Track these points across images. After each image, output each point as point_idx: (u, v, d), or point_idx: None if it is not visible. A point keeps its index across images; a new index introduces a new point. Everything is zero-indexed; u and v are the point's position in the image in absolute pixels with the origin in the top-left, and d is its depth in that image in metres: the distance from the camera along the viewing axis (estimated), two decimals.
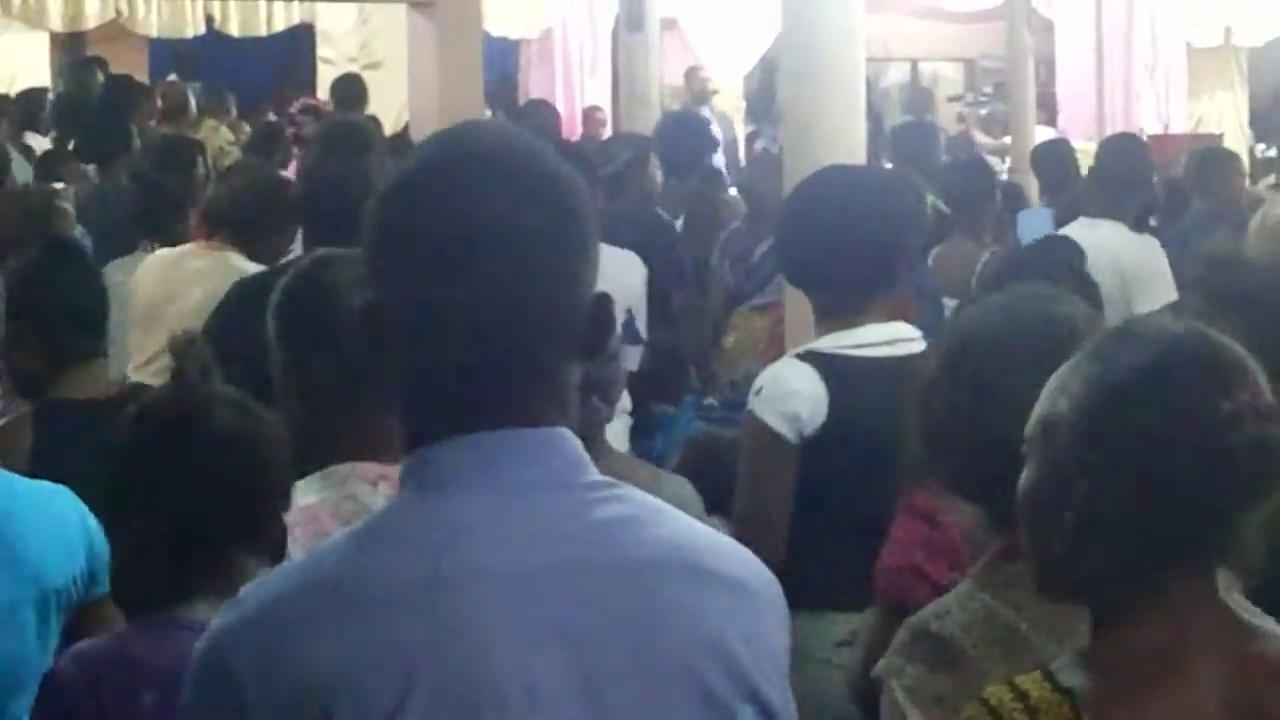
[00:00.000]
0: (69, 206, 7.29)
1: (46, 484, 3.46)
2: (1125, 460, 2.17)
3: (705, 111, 14.32)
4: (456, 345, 1.90)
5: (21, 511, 3.36)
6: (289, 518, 3.16)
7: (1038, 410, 2.27)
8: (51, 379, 4.42)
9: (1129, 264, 7.15)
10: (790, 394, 4.12)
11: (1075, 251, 6.01)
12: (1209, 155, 9.91)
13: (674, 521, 1.96)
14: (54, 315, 4.43)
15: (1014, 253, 6.24)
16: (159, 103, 13.00)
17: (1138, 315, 2.38)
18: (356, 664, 1.81)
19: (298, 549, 3.15)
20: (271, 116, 14.58)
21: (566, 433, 1.93)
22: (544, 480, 1.90)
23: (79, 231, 7.67)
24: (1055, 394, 2.25)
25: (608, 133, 14.51)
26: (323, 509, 3.18)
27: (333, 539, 1.96)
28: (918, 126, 10.71)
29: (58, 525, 3.39)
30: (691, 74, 15.98)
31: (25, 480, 3.45)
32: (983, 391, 2.75)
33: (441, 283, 1.89)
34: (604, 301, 1.96)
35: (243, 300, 5.15)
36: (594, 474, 1.94)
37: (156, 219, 7.10)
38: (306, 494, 3.21)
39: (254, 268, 6.03)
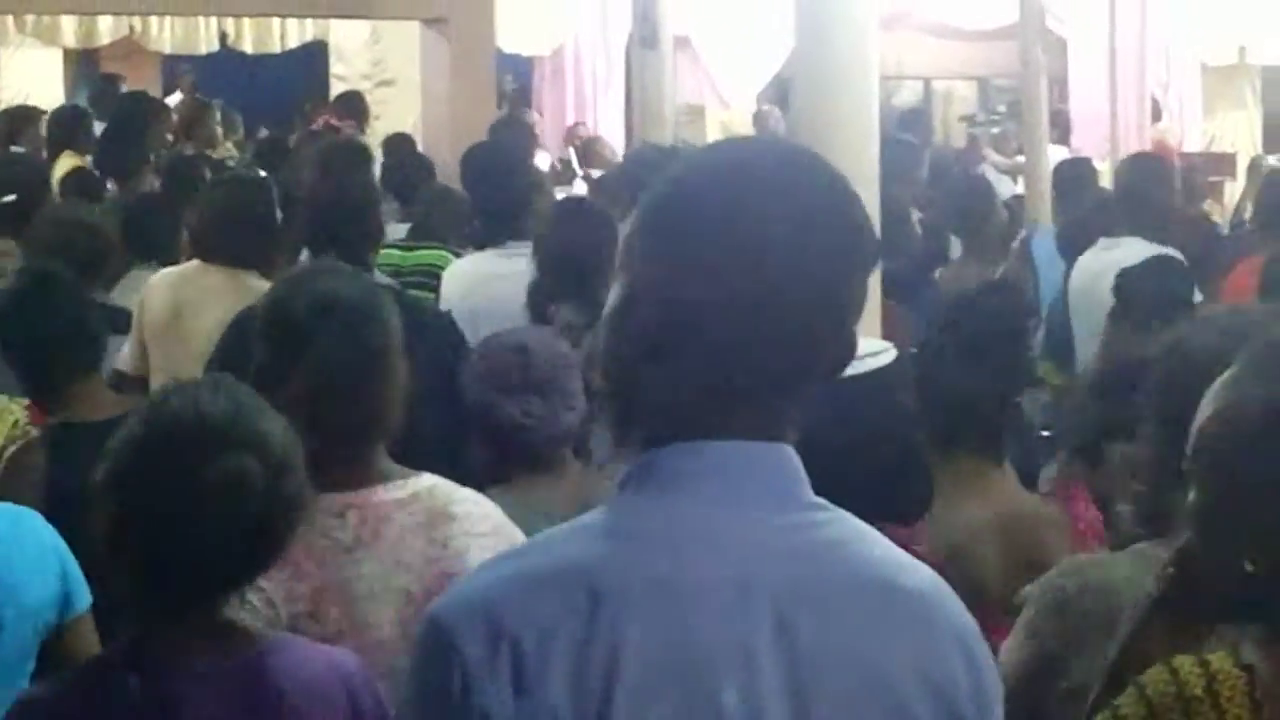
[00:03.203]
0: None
1: (15, 507, 3.45)
2: None
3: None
4: (715, 352, 1.89)
5: None
6: None
7: (1202, 430, 2.26)
8: (55, 401, 4.45)
9: None
10: None
11: (1188, 275, 6.02)
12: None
13: (883, 545, 1.97)
14: (36, 344, 4.48)
15: (1126, 278, 6.16)
16: (174, 119, 12.99)
17: None
18: (573, 653, 1.81)
19: (278, 591, 3.13)
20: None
21: (788, 452, 1.94)
22: (767, 496, 1.90)
23: None
24: (1221, 416, 2.23)
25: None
26: (296, 546, 3.15)
27: (557, 530, 1.96)
28: (900, 145, 10.71)
29: (33, 548, 3.38)
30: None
31: (3, 506, 3.44)
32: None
33: (721, 287, 1.88)
34: (853, 344, 1.96)
35: (245, 329, 5.15)
36: (811, 495, 1.94)
37: (147, 240, 7.08)
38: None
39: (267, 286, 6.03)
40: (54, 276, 4.85)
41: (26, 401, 5.16)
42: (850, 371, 4.08)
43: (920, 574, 1.97)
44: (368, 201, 5.24)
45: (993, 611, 3.52)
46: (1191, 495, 2.27)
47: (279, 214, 6.38)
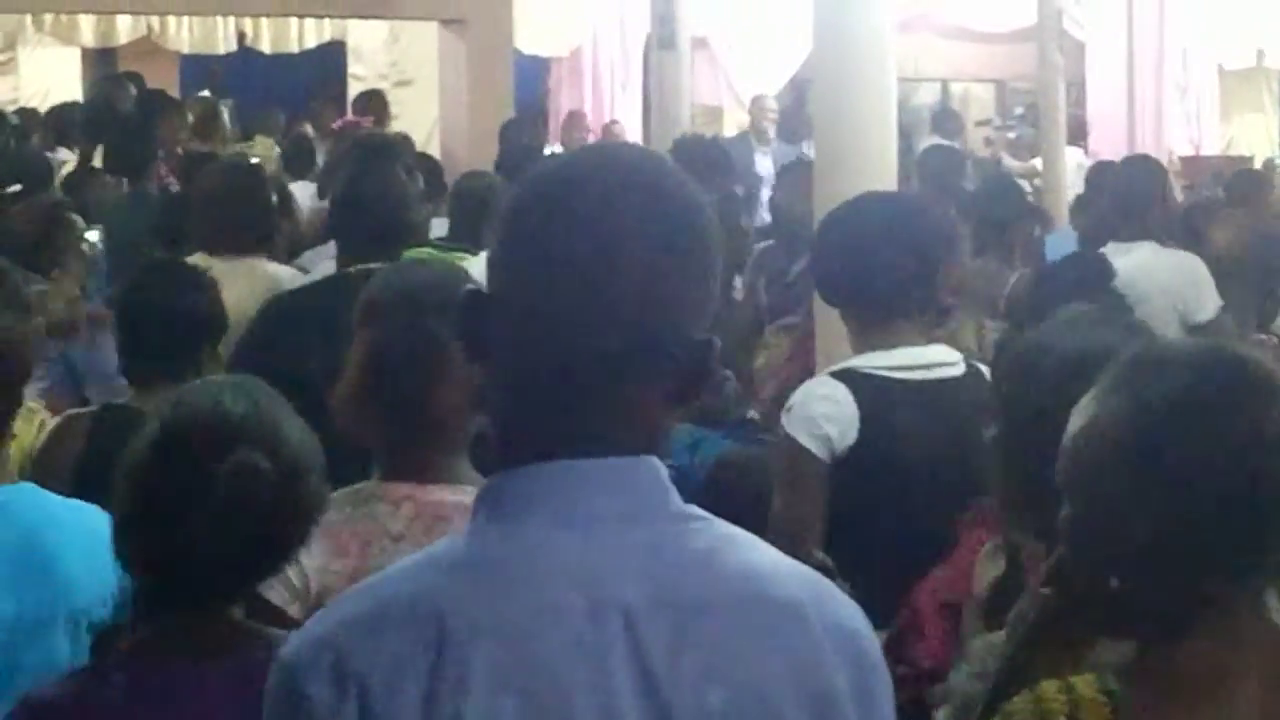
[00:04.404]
0: (76, 217, 7.30)
1: (82, 503, 3.46)
2: (1176, 492, 2.15)
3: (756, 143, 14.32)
4: (555, 360, 1.84)
5: (56, 529, 3.36)
6: None
7: (1069, 445, 2.24)
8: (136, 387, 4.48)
9: (1172, 281, 7.13)
10: (822, 412, 4.11)
11: (1106, 267, 5.99)
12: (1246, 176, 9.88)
13: (757, 551, 1.92)
14: (136, 335, 4.50)
15: (1045, 271, 6.19)
16: (190, 118, 13.03)
17: (1161, 338, 2.34)
18: (421, 691, 1.78)
19: (313, 564, 3.15)
20: (309, 131, 14.58)
21: (650, 463, 1.88)
22: (625, 513, 1.85)
23: (91, 244, 7.70)
24: (1088, 428, 2.22)
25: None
26: (344, 527, 3.19)
27: (407, 562, 1.91)
28: (945, 150, 10.68)
29: (91, 544, 3.38)
30: (755, 102, 15.78)
31: (62, 499, 3.45)
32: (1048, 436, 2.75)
33: (544, 288, 1.84)
34: (709, 346, 1.88)
35: (277, 316, 5.15)
36: (676, 504, 1.89)
37: (174, 234, 7.12)
38: (329, 510, 3.22)
39: (283, 271, 6.07)
40: (182, 268, 4.88)
41: (43, 401, 5.19)
42: (923, 377, 4.14)
43: (794, 578, 1.91)
44: (394, 197, 5.24)
45: None
46: (1063, 510, 2.25)
47: (274, 198, 6.44)
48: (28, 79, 16.91)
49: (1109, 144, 15.10)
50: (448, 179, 8.89)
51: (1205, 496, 2.14)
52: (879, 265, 4.23)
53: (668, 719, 1.81)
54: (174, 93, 15.31)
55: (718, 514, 1.93)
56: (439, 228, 7.81)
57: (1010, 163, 15.37)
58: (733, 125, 16.27)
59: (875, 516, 4.06)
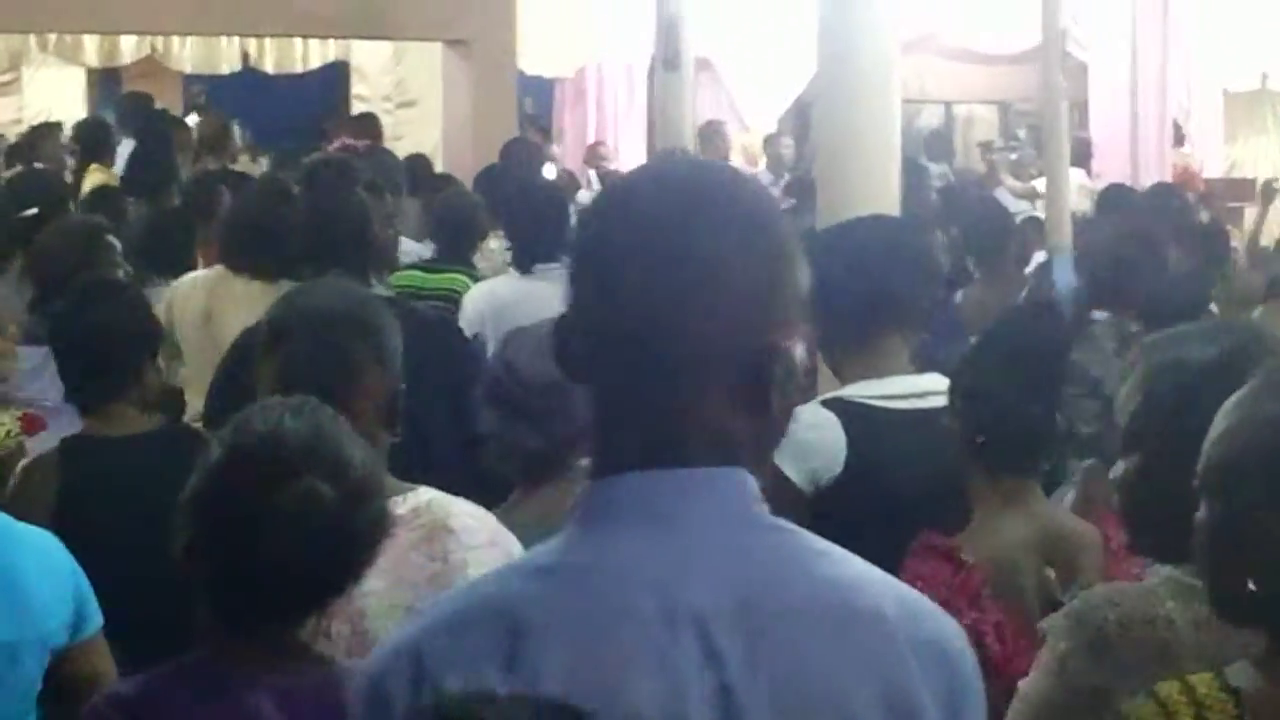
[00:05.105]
0: (114, 241, 7.28)
1: (37, 530, 3.47)
2: None
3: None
4: (640, 375, 1.87)
5: (23, 556, 3.37)
6: None
7: (1212, 450, 2.25)
8: (92, 412, 4.43)
9: None
10: (806, 441, 4.06)
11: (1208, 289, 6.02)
12: None
13: (841, 564, 1.93)
14: (74, 359, 4.47)
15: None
16: (194, 136, 13.01)
17: None
18: (497, 683, 1.79)
19: None
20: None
21: (737, 474, 1.89)
22: (709, 522, 1.86)
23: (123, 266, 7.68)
24: (1232, 434, 2.23)
25: (611, 166, 14.59)
26: None
27: (493, 570, 1.98)
28: (908, 164, 10.72)
29: (53, 570, 3.39)
30: (708, 126, 15.70)
31: (22, 525, 3.45)
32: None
33: (611, 302, 1.87)
34: (775, 355, 1.88)
35: (247, 348, 5.14)
36: (762, 515, 1.90)
37: (162, 255, 7.09)
38: None
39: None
40: (114, 288, 4.85)
41: (20, 412, 5.16)
42: (914, 406, 4.11)
43: (879, 590, 1.91)
44: (352, 215, 5.20)
45: (1028, 627, 3.48)
46: (1200, 512, 2.26)
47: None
48: (31, 99, 16.93)
49: (1112, 166, 15.10)
50: None
51: None
52: (845, 291, 4.16)
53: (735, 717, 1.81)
54: (177, 113, 15.30)
55: None
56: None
57: (1011, 183, 15.37)
58: (736, 147, 16.27)
59: (861, 546, 4.02)
